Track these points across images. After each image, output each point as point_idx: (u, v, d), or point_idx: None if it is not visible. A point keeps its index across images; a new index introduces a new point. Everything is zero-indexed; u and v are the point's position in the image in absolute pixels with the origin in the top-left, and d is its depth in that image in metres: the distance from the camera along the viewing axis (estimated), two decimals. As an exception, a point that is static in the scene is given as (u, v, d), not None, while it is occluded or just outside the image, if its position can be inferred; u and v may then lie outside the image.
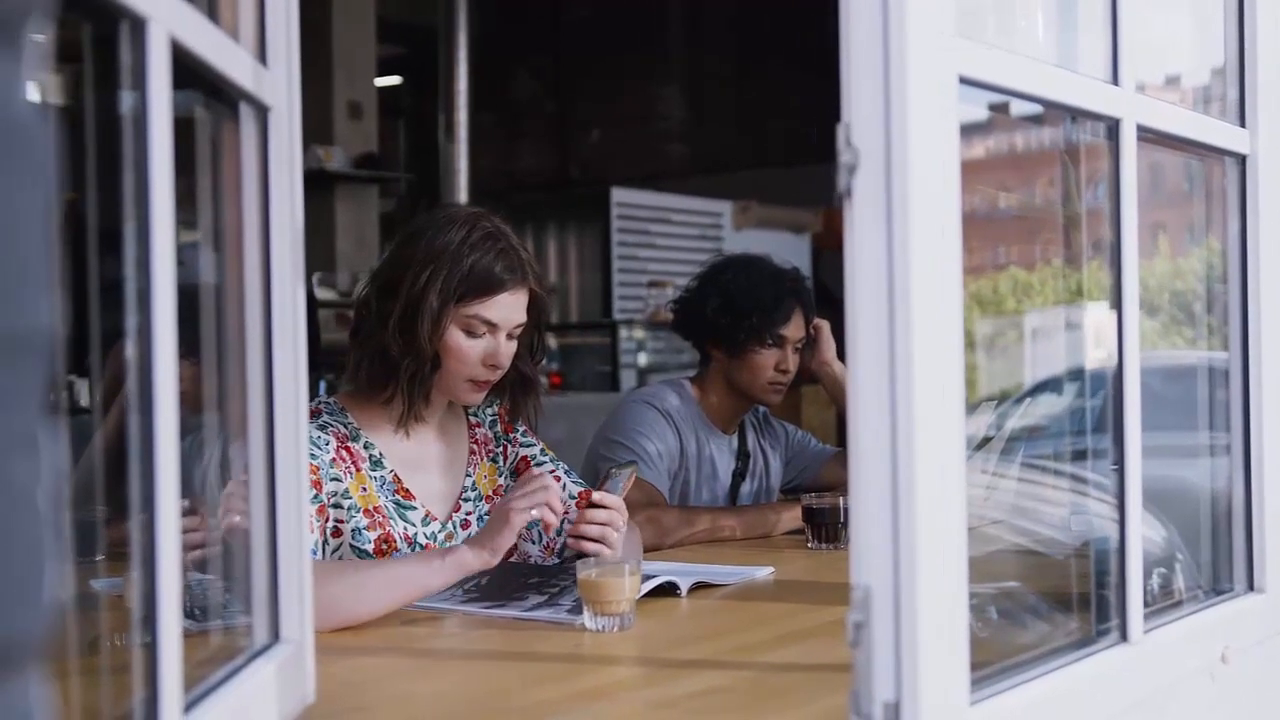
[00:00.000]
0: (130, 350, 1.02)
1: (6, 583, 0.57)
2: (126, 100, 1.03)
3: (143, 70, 1.01)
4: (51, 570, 0.60)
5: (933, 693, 1.17)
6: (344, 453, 2.20)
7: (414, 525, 2.24)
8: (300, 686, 1.41)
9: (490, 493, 2.38)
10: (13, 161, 0.57)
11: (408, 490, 2.25)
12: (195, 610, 1.37)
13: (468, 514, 2.34)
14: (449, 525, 2.30)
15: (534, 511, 1.99)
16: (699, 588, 2.19)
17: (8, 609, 0.57)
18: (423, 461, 2.31)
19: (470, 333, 2.21)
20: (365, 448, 2.24)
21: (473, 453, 2.39)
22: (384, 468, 2.24)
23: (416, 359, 2.19)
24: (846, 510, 2.66)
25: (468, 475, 2.36)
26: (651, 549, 2.71)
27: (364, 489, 2.20)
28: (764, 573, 2.36)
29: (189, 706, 1.11)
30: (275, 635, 1.38)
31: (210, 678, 1.22)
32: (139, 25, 1.00)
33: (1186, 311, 2.12)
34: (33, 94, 0.60)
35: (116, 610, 1.42)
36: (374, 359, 2.22)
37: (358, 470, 2.20)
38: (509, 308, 2.23)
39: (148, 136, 1.02)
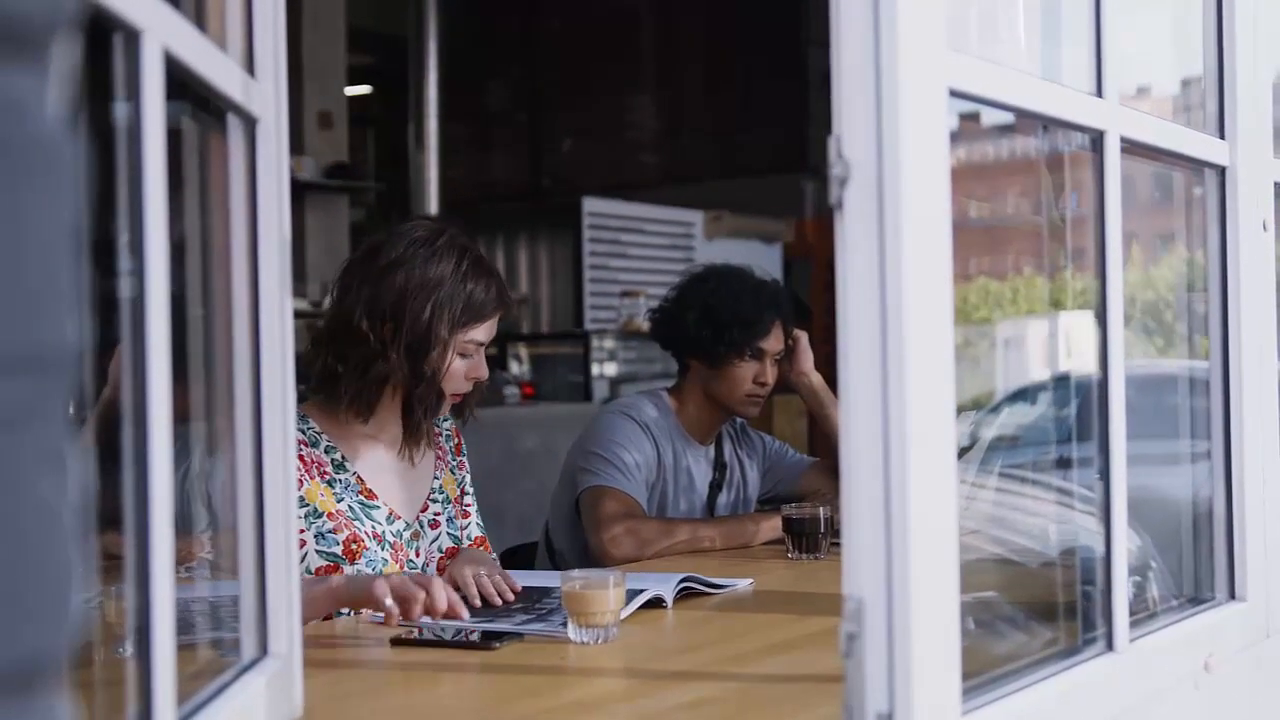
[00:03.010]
0: (124, 361, 1.02)
1: (36, 600, 0.56)
2: (119, 111, 1.03)
3: (137, 81, 1.01)
4: (77, 586, 0.60)
5: (925, 703, 1.17)
6: (298, 461, 2.22)
7: (379, 524, 2.29)
8: (288, 701, 1.40)
9: (453, 499, 2.47)
10: (40, 177, 0.56)
11: (370, 490, 2.31)
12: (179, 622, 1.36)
13: (436, 514, 2.41)
14: (415, 524, 2.37)
15: (388, 602, 1.89)
16: (685, 595, 2.20)
17: (38, 626, 0.57)
18: (389, 465, 2.36)
19: (463, 355, 2.31)
20: (327, 452, 2.29)
21: (439, 458, 2.46)
22: (347, 470, 2.30)
23: (429, 388, 2.27)
24: (826, 520, 2.67)
25: (435, 478, 2.44)
26: (631, 560, 2.71)
27: (323, 494, 2.25)
28: (744, 584, 2.36)
29: (181, 722, 1.10)
30: (263, 649, 1.37)
31: (200, 692, 1.22)
32: (133, 37, 1.00)
33: (1157, 321, 2.14)
34: (59, 108, 0.60)
35: (99, 623, 1.41)
36: (375, 385, 2.27)
37: (312, 477, 2.25)
38: (494, 326, 2.35)
39: (142, 148, 1.01)
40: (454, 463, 2.50)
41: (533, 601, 2.14)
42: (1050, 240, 1.92)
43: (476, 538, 2.47)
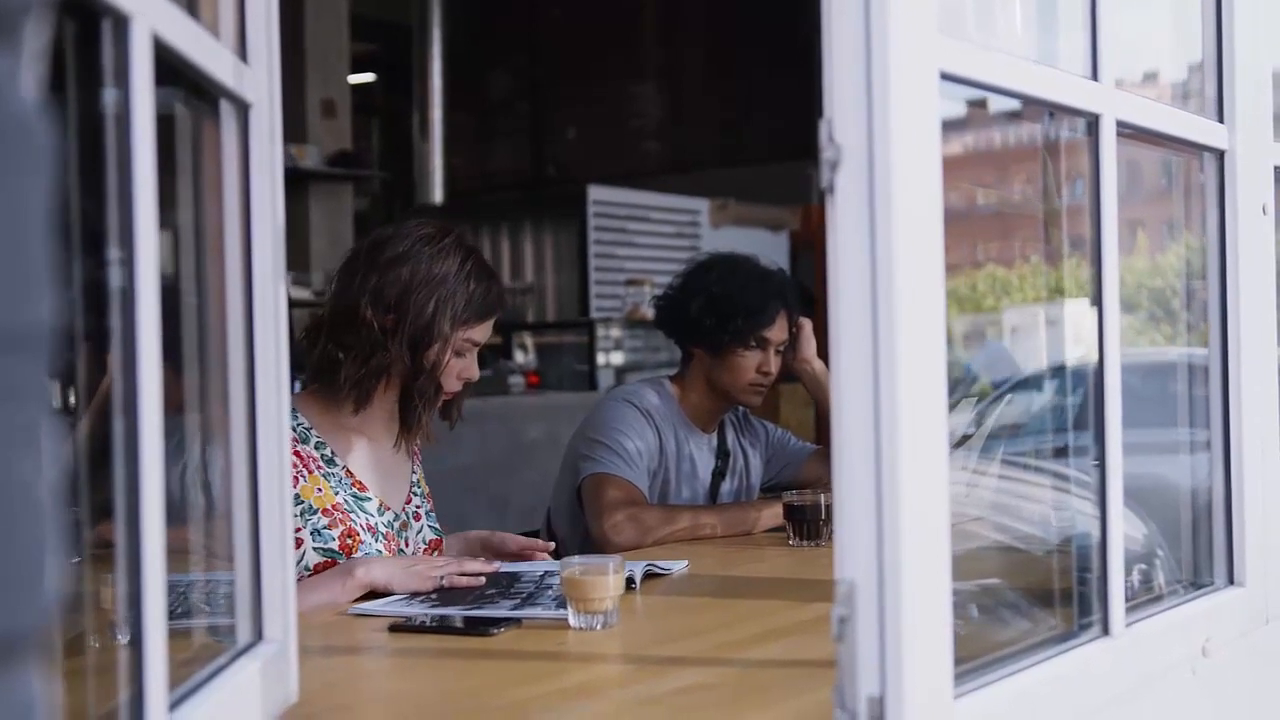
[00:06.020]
0: (114, 350, 1.02)
1: (10, 576, 0.57)
2: (108, 97, 1.03)
3: (125, 67, 1.01)
4: (52, 564, 0.60)
5: (917, 686, 1.17)
6: (293, 457, 2.23)
7: (372, 515, 2.33)
8: (283, 686, 1.41)
9: (427, 493, 2.52)
10: (14, 157, 0.57)
11: (361, 483, 2.34)
12: (174, 609, 1.37)
13: (417, 507, 2.46)
14: (403, 515, 2.41)
15: (444, 581, 2.14)
16: (649, 577, 2.25)
17: (12, 603, 0.57)
18: (373, 459, 2.39)
19: (458, 353, 2.34)
20: (316, 448, 2.32)
21: (415, 455, 2.51)
22: (337, 465, 2.32)
23: (429, 381, 2.30)
24: (828, 507, 2.67)
25: (414, 472, 2.49)
26: (633, 547, 2.71)
27: (319, 490, 2.28)
28: (681, 565, 2.40)
29: (173, 705, 1.10)
30: (259, 634, 1.38)
31: (194, 677, 1.22)
32: (122, 22, 1.00)
33: (1164, 308, 2.13)
34: (32, 89, 0.60)
35: (95, 610, 1.41)
36: (375, 375, 2.30)
37: (310, 473, 2.27)
38: (490, 328, 2.39)
39: (131, 134, 1.01)
40: (421, 460, 2.55)
41: (506, 587, 2.15)
42: (1056, 227, 1.92)
43: (431, 540, 2.49)
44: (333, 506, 2.27)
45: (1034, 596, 1.74)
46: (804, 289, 4.92)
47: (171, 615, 1.13)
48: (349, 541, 2.25)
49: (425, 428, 2.39)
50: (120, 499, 1.03)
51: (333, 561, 2.22)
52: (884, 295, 1.16)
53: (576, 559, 1.96)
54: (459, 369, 2.35)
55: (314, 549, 2.23)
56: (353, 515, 2.28)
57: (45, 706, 0.61)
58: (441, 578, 2.13)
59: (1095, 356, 1.56)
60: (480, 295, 2.33)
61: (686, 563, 2.42)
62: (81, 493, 1.18)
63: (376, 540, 2.30)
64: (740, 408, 3.20)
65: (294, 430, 2.28)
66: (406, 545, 2.38)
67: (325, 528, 2.24)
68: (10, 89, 0.58)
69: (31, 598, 0.58)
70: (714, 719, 1.48)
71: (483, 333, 2.36)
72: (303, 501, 2.23)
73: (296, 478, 2.23)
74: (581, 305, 8.24)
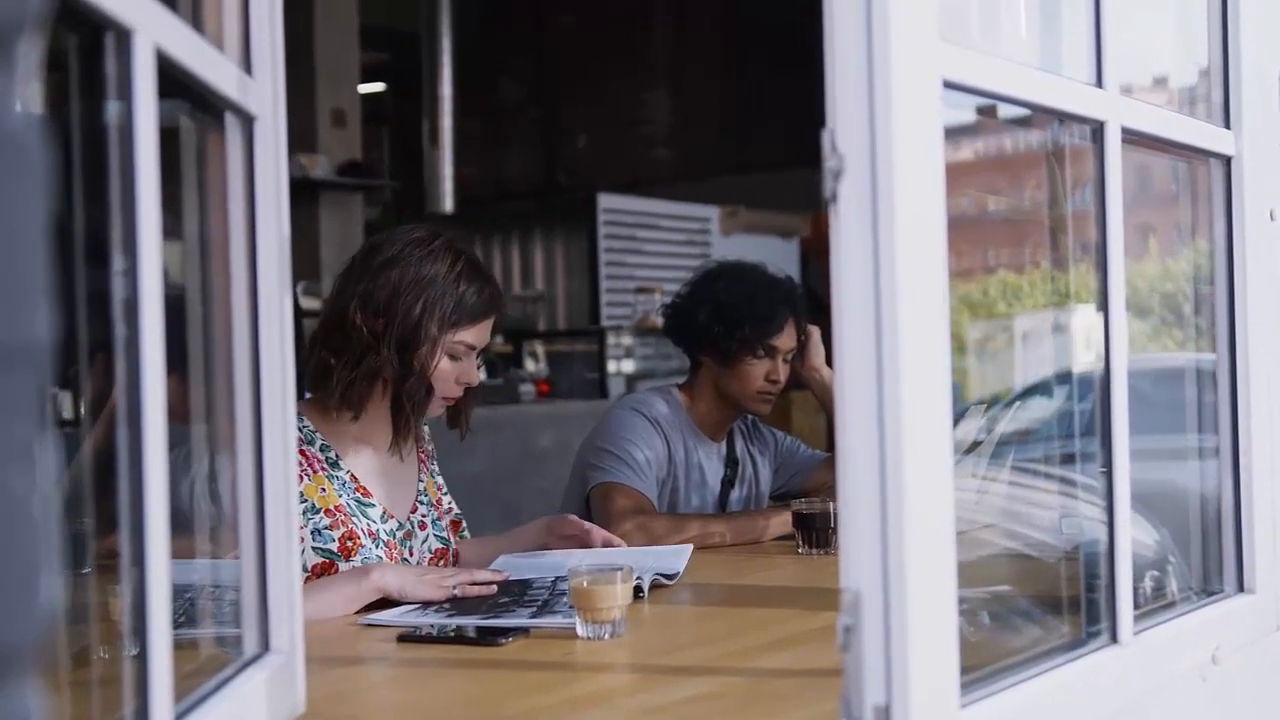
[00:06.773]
0: (119, 361, 1.02)
1: (6, 590, 0.57)
2: (111, 110, 1.03)
3: (128, 80, 1.01)
4: (48, 578, 0.60)
5: (923, 696, 1.17)
6: (298, 456, 2.25)
7: (374, 522, 2.33)
8: (290, 697, 1.41)
9: (435, 501, 2.50)
10: (9, 172, 0.57)
11: (365, 489, 2.34)
12: (181, 619, 1.37)
13: (423, 516, 2.46)
14: (407, 524, 2.40)
15: (456, 591, 2.14)
16: (656, 587, 2.24)
17: (7, 616, 0.57)
18: (378, 466, 2.39)
19: (453, 356, 2.33)
20: (321, 450, 2.32)
21: (421, 462, 2.50)
22: (342, 469, 2.33)
23: (418, 383, 2.29)
24: (836, 515, 2.66)
25: (420, 481, 2.48)
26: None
27: (323, 490, 2.28)
28: (685, 549, 2.44)
29: (179, 716, 1.11)
30: (265, 645, 1.38)
31: (201, 688, 1.22)
32: (125, 36, 1.00)
33: (1176, 313, 2.12)
34: (27, 105, 0.60)
35: (104, 621, 1.42)
36: (366, 379, 2.30)
37: (315, 473, 2.28)
38: (487, 332, 2.38)
39: (134, 146, 1.02)
40: (433, 467, 2.55)
41: (519, 595, 2.14)
42: (1064, 233, 1.92)
43: (438, 549, 2.48)
44: (335, 508, 2.27)
45: (1044, 604, 1.73)
46: (814, 296, 4.91)
47: (177, 625, 1.13)
48: (349, 544, 2.25)
49: (415, 430, 2.39)
50: (125, 510, 1.03)
51: (331, 563, 2.23)
52: (887, 303, 1.16)
53: (584, 568, 1.96)
54: (456, 373, 2.34)
55: (313, 548, 2.23)
56: (354, 519, 2.29)
57: (41, 719, 0.61)
58: (454, 587, 2.13)
59: (1104, 362, 1.56)
60: (472, 297, 2.31)
61: (690, 546, 2.44)
62: (90, 505, 1.18)
63: (377, 546, 2.30)
64: (749, 415, 3.20)
65: (300, 432, 2.29)
66: (411, 554, 2.38)
67: (326, 528, 2.25)
68: (4, 105, 0.58)
69: (27, 611, 0.58)
70: (721, 728, 1.47)
71: (476, 335, 2.34)
72: (306, 500, 2.24)
73: (300, 476, 2.23)
74: (592, 313, 8.23)
